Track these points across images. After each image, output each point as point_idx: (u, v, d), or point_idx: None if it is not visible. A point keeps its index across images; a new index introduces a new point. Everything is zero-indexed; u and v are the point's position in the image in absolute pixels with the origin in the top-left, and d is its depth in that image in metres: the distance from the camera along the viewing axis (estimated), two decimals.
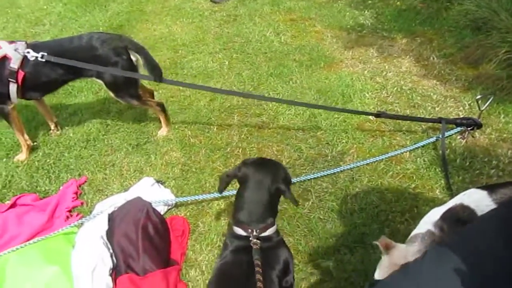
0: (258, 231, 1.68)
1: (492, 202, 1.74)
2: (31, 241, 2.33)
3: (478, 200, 1.75)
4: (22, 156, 3.04)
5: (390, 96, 3.26)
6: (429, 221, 1.70)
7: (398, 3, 4.62)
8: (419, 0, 4.50)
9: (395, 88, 3.33)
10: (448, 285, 1.07)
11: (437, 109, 3.10)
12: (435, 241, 1.59)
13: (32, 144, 3.09)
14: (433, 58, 3.65)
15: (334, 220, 2.37)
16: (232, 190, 2.39)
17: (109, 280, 2.05)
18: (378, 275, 1.61)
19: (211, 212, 2.48)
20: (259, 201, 1.74)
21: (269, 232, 1.73)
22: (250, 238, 1.67)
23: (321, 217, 2.39)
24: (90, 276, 2.04)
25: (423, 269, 1.16)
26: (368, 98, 3.25)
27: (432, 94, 3.24)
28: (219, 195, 2.34)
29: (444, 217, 1.69)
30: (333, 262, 2.15)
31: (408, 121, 2.94)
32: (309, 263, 2.16)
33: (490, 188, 1.81)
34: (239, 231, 1.71)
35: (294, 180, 2.58)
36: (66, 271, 2.14)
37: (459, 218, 1.69)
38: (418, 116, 3.01)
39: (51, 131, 3.25)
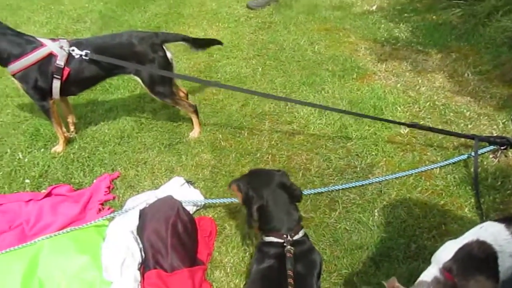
0: (292, 234, 1.79)
1: (510, 235, 1.70)
2: (64, 230, 2.41)
3: (495, 234, 1.72)
4: (59, 147, 3.16)
5: (423, 111, 3.24)
6: (440, 261, 1.68)
7: (434, 17, 4.59)
8: (456, 15, 4.47)
9: (428, 103, 3.31)
10: None
11: (470, 126, 3.07)
12: None
13: (69, 136, 3.21)
14: (468, 75, 3.61)
15: (360, 232, 2.37)
16: None
17: (137, 273, 2.11)
18: None
19: (238, 215, 2.52)
20: (283, 206, 1.88)
21: (301, 234, 1.85)
22: (285, 244, 1.76)
23: (347, 228, 2.40)
24: (119, 269, 2.11)
25: None
26: (399, 112, 3.24)
27: (465, 111, 3.21)
28: None
29: (456, 257, 1.67)
30: (358, 274, 2.16)
31: (440, 137, 2.92)
32: (333, 273, 2.17)
33: (508, 221, 1.77)
34: (273, 239, 1.80)
35: (322, 189, 2.61)
36: (96, 261, 2.20)
37: (473, 255, 1.67)
38: None
39: (70, 133, 3.29)
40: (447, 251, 1.73)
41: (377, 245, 2.29)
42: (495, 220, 1.85)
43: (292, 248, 1.75)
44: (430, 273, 1.68)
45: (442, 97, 3.40)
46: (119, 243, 2.23)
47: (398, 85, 3.57)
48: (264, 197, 1.87)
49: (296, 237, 1.82)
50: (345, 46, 4.22)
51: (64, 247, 2.29)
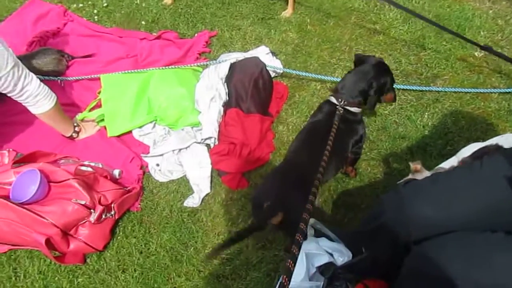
0: (345, 102, 2.14)
1: None
2: (169, 66, 2.98)
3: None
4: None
5: (504, 40, 3.34)
6: (460, 155, 1.97)
7: None
8: None
9: None
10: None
11: None
12: None
13: None
14: None
15: (407, 127, 2.75)
16: (330, 76, 2.89)
17: (221, 109, 2.67)
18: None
19: (308, 89, 2.97)
20: (357, 85, 2.17)
21: (354, 110, 2.18)
22: (337, 106, 2.14)
23: (397, 121, 2.79)
24: (208, 102, 2.67)
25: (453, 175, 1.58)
26: (481, 36, 3.35)
27: None
28: (319, 77, 2.85)
29: (474, 154, 1.90)
30: (393, 156, 2.60)
31: (511, 67, 3.08)
32: (373, 150, 2.62)
33: None
34: (332, 99, 2.19)
35: None
36: (190, 94, 2.76)
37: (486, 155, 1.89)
38: None
39: None
40: (469, 149, 2.07)
41: (417, 139, 2.68)
42: None
43: (342, 111, 2.09)
44: (449, 162, 2.05)
45: None
46: (210, 85, 2.77)
47: (490, 11, 3.61)
48: (356, 59, 2.22)
49: (349, 108, 2.16)
50: None
51: (169, 78, 2.86)
